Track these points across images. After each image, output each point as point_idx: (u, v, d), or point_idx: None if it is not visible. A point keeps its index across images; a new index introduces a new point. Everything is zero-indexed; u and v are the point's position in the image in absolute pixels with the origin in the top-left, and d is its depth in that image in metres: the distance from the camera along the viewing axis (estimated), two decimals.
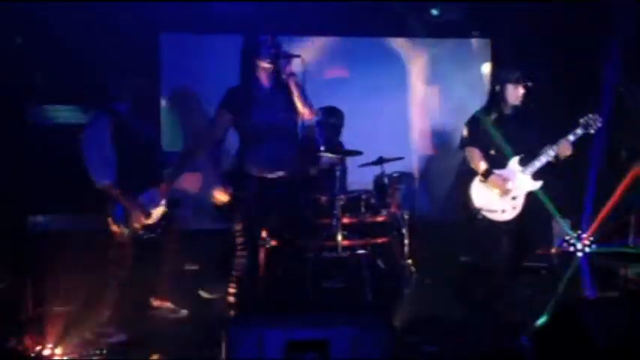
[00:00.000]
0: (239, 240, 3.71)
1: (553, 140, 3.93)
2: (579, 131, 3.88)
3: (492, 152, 4.04)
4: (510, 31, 5.66)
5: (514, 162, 4.01)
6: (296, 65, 3.62)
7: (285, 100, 3.69)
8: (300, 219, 4.08)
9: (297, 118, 3.75)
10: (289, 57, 3.62)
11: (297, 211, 3.96)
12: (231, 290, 3.75)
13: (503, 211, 4.00)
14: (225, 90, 3.73)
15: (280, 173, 3.69)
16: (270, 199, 3.68)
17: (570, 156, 3.91)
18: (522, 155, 4.00)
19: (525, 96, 4.02)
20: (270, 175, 3.67)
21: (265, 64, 3.65)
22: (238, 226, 3.71)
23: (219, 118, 3.75)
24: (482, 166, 4.04)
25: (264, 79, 3.71)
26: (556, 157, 3.92)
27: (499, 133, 3.99)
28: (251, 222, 3.72)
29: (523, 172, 3.98)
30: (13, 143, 4.84)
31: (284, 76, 3.65)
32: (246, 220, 3.70)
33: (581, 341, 2.37)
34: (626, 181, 4.58)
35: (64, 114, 5.12)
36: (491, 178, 4.00)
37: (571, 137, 3.88)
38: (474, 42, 5.92)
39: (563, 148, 3.89)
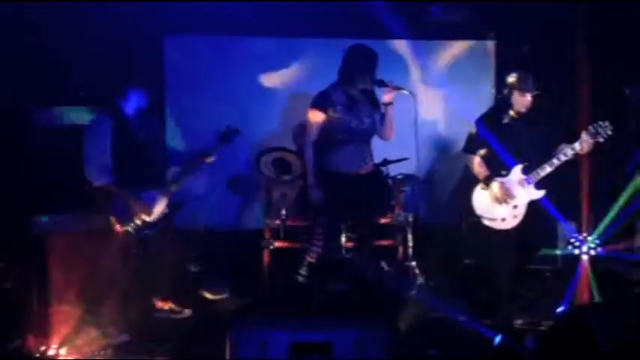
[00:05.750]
0: (317, 230, 4.17)
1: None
2: (586, 137, 3.76)
3: (495, 159, 3.95)
4: (516, 36, 5.64)
5: (517, 170, 3.93)
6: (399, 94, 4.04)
7: (372, 108, 4.09)
8: (380, 211, 4.59)
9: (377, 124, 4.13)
10: (397, 89, 4.03)
11: (381, 202, 4.47)
12: (303, 272, 4.19)
13: (503, 220, 3.94)
14: (317, 92, 4.04)
15: (365, 170, 4.08)
16: (357, 193, 4.00)
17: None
18: (526, 164, 3.91)
19: (532, 104, 3.94)
20: (356, 172, 4.03)
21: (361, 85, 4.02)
22: (321, 218, 4.16)
23: (312, 119, 3.99)
24: (484, 172, 4.00)
25: (357, 90, 4.03)
26: (576, 153, 3.83)
27: (503, 139, 3.91)
28: (336, 214, 4.13)
29: (526, 180, 3.91)
30: (17, 144, 4.85)
31: (382, 103, 4.08)
32: (332, 212, 4.08)
33: (585, 345, 2.37)
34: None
35: (68, 115, 5.13)
36: (493, 185, 3.95)
37: (577, 145, 3.79)
38: (479, 45, 5.90)
39: (586, 143, 3.78)
